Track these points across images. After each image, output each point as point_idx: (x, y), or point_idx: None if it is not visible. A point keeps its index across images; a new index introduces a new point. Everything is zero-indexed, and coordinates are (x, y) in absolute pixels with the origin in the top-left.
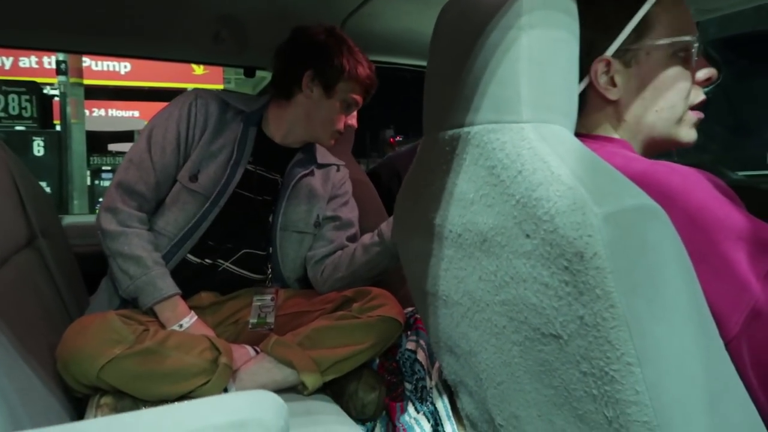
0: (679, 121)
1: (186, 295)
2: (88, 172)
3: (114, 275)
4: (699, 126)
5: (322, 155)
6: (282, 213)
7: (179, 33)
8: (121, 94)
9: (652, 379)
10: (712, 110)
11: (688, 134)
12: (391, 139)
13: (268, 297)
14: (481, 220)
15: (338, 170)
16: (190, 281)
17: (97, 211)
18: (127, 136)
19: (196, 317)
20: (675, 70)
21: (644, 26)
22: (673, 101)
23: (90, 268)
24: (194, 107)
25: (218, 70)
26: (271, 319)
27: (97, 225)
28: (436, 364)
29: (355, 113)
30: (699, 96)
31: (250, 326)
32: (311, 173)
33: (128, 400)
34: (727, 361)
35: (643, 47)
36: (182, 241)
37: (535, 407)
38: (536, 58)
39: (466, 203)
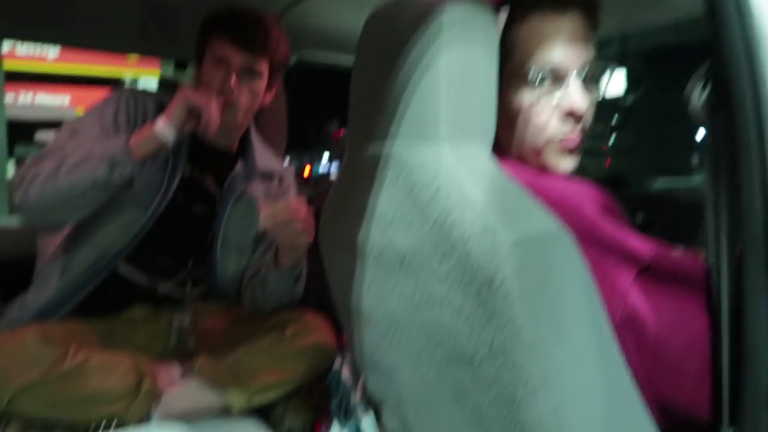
0: (539, 151)
1: (116, 310)
2: (12, 163)
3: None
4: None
5: (263, 161)
6: (222, 228)
7: (103, 21)
8: (49, 78)
9: (555, 403)
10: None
11: (557, 163)
12: (336, 133)
13: (187, 318)
14: (400, 240)
15: (280, 180)
16: (121, 296)
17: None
18: (57, 124)
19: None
20: (522, 100)
21: (504, 55)
22: (528, 132)
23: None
24: (128, 106)
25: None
26: (192, 341)
27: (20, 205)
28: (361, 381)
29: (259, 86)
30: (562, 130)
31: (171, 349)
32: (252, 184)
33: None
34: (625, 378)
35: (502, 74)
36: (114, 252)
37: (452, 428)
38: (454, 77)
39: (386, 222)
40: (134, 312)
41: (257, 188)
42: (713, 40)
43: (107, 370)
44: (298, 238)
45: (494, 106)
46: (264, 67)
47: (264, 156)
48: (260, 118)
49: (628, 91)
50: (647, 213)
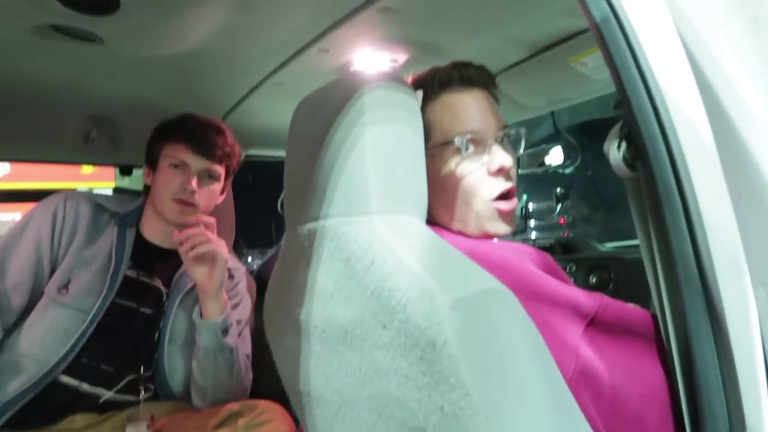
0: (475, 214)
1: (57, 418)
2: None
3: None
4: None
5: None
6: (169, 327)
7: (47, 133)
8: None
9: None
10: (583, 189)
11: (494, 227)
12: None
13: (143, 425)
14: (341, 314)
15: (230, 275)
16: (64, 405)
17: None
18: None
19: None
20: (452, 168)
21: (426, 132)
22: (461, 197)
23: None
24: (61, 211)
25: (110, 168)
26: None
27: None
28: None
29: (214, 187)
30: (494, 188)
31: None
32: None
33: None
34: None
35: (428, 151)
36: (52, 363)
37: None
38: (381, 152)
39: (327, 297)
40: (75, 421)
41: None
42: (623, 102)
43: None
44: (204, 249)
45: (424, 177)
46: (221, 170)
47: None
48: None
49: (567, 162)
50: (600, 274)
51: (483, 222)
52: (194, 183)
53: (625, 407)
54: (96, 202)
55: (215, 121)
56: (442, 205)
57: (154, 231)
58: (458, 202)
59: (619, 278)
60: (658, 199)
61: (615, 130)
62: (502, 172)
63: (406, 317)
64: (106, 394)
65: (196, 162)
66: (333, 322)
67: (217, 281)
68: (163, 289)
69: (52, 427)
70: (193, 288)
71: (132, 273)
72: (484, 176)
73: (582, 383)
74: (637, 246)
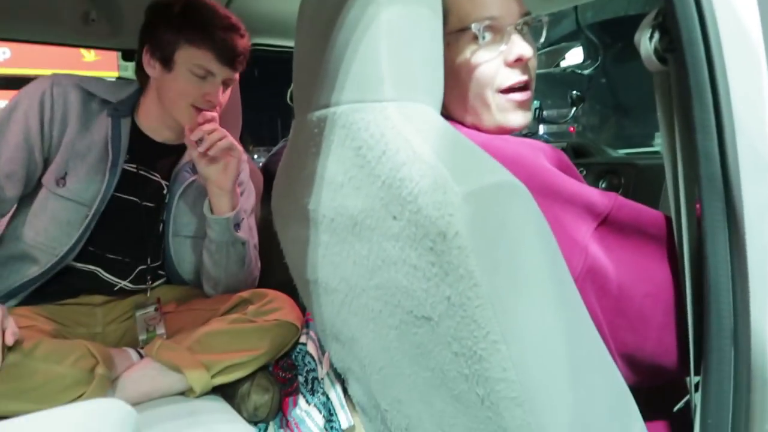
0: (489, 106)
1: (76, 295)
2: None
3: None
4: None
5: None
6: (172, 220)
7: (45, 12)
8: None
9: (517, 356)
10: (599, 93)
11: (509, 118)
12: None
13: (151, 308)
14: (350, 203)
15: None
16: (82, 289)
17: None
18: None
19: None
20: (467, 57)
21: (444, 17)
22: (474, 88)
23: None
24: (49, 98)
25: (112, 56)
26: (161, 330)
27: None
28: (327, 354)
29: (228, 92)
30: (510, 78)
31: (141, 343)
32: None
33: None
34: (591, 330)
35: (444, 37)
36: (61, 253)
37: (416, 390)
38: (397, 35)
39: (336, 186)
40: (94, 298)
41: None
42: None
43: (57, 358)
44: (224, 144)
45: (441, 65)
46: (237, 76)
47: None
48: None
49: (587, 62)
50: (610, 179)
51: (498, 114)
52: (220, 94)
53: (629, 306)
54: (85, 89)
55: (235, 20)
56: (455, 98)
57: (155, 126)
58: (472, 94)
59: (629, 184)
60: (688, 94)
61: (648, 19)
62: (520, 62)
63: (417, 208)
64: (121, 283)
65: (221, 72)
66: (342, 211)
67: (232, 177)
68: (163, 182)
69: (71, 300)
70: (194, 182)
71: (131, 167)
72: (500, 66)
73: (589, 281)
74: (649, 153)
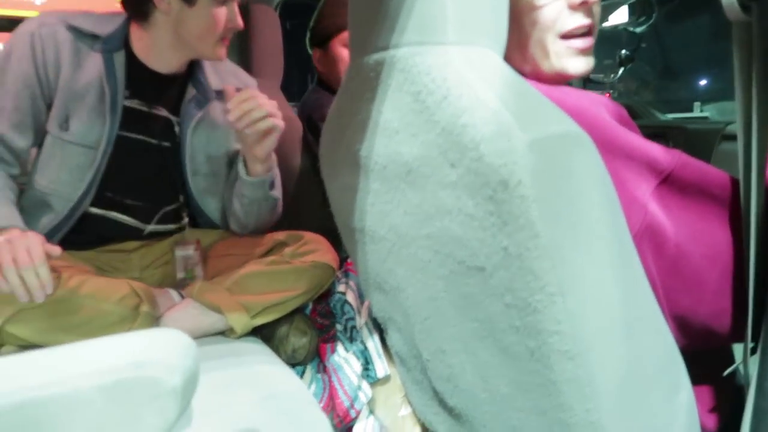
0: (548, 53)
1: (106, 243)
2: None
3: None
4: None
5: (216, 78)
6: (188, 158)
7: None
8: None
9: (573, 308)
10: (647, 53)
11: (571, 64)
12: None
13: (191, 248)
14: (405, 150)
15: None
16: (110, 237)
17: None
18: None
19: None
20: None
21: None
22: (536, 33)
23: None
24: (39, 41)
25: None
26: (199, 272)
27: None
28: (366, 303)
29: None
30: (570, 22)
31: (178, 281)
32: (210, 107)
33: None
34: (645, 287)
35: None
36: (76, 198)
37: (460, 341)
38: None
39: (391, 132)
40: (127, 244)
41: (216, 110)
42: None
43: (103, 295)
44: (265, 124)
45: (506, 8)
46: None
47: (218, 75)
48: (257, 52)
49: (642, 19)
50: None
51: (558, 60)
52: (239, 19)
53: (686, 267)
54: (73, 25)
55: None
56: (515, 44)
57: (145, 54)
58: (532, 40)
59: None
60: None
61: None
62: (584, 5)
63: (478, 155)
64: (148, 227)
65: None
66: (396, 158)
67: (269, 150)
68: (172, 118)
69: (103, 248)
70: (203, 117)
71: (132, 103)
72: (563, 9)
73: (646, 239)
74: (696, 118)
